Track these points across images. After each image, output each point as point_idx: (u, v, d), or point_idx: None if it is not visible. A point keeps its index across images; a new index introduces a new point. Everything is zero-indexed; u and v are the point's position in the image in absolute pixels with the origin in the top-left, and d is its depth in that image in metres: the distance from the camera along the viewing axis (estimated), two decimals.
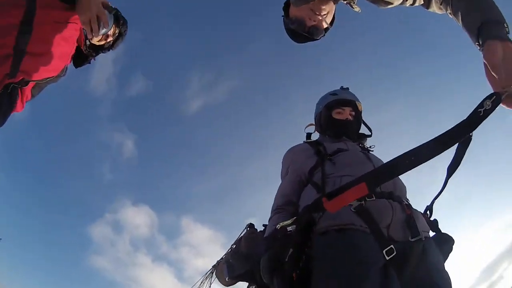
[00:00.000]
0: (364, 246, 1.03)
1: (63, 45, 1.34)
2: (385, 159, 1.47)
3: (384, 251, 1.00)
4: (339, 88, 1.69)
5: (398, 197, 1.18)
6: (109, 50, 1.57)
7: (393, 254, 0.99)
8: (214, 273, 1.94)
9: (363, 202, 1.10)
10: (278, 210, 1.38)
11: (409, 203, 1.23)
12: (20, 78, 1.23)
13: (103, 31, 1.32)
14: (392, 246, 1.01)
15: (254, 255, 1.43)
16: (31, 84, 1.32)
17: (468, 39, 0.88)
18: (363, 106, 1.62)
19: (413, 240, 1.06)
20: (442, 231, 1.22)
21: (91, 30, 1.26)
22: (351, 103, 1.58)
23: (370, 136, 1.61)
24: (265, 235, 1.33)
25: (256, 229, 1.77)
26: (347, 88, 1.67)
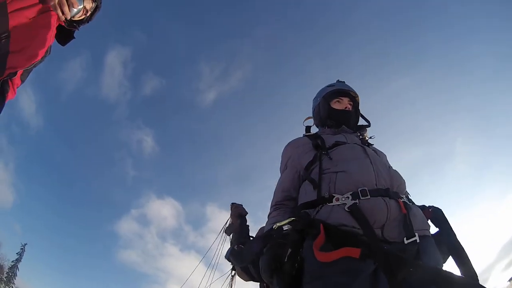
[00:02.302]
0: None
1: (43, 32, 1.41)
2: (385, 147, 1.44)
3: (374, 260, 0.95)
4: (335, 81, 1.68)
5: (395, 194, 1.13)
6: (88, 22, 1.67)
7: (383, 262, 0.94)
8: (235, 275, 2.04)
9: (357, 200, 1.07)
10: (277, 206, 1.37)
11: (408, 199, 1.19)
12: (8, 73, 1.33)
13: (74, 11, 1.37)
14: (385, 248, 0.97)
15: (248, 252, 1.44)
16: (19, 73, 1.43)
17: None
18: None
19: (407, 242, 1.01)
20: (448, 223, 1.16)
21: (63, 13, 1.33)
22: (349, 93, 1.57)
23: (368, 126, 1.58)
24: (263, 233, 1.32)
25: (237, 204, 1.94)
26: (343, 82, 1.66)
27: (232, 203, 2.01)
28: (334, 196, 1.12)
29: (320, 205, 1.15)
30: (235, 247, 1.76)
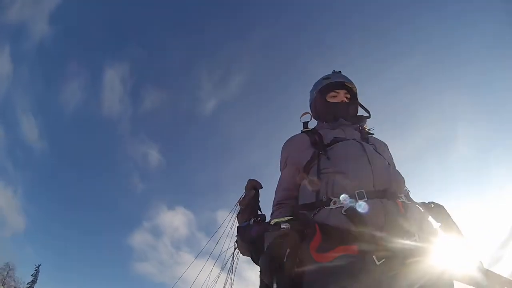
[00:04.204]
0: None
1: None
2: (387, 133, 1.41)
3: (374, 256, 0.94)
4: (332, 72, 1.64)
5: (393, 194, 1.11)
6: None
7: (383, 260, 0.93)
8: (237, 248, 2.03)
9: (354, 204, 1.06)
10: (279, 205, 1.35)
11: (407, 197, 1.17)
12: None
13: None
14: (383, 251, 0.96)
15: (247, 235, 1.43)
16: None
17: None
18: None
19: (407, 248, 0.98)
20: (451, 219, 1.14)
21: None
22: (345, 85, 1.53)
23: (369, 117, 1.53)
24: (261, 223, 1.33)
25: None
26: (339, 72, 1.62)
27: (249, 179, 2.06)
28: (332, 199, 1.10)
29: (318, 208, 1.14)
30: (251, 222, 1.76)
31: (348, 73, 1.61)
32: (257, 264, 1.71)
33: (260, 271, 1.15)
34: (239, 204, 1.97)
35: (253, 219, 1.73)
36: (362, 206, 1.05)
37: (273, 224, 1.13)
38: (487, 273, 0.86)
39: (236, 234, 1.46)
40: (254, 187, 1.91)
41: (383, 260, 0.93)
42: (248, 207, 1.82)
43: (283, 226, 1.11)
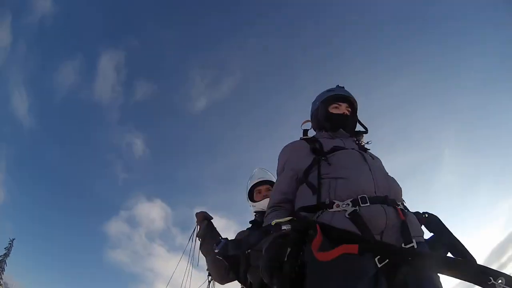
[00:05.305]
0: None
1: None
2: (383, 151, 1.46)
3: (376, 259, 0.99)
4: (336, 86, 1.70)
5: (393, 201, 1.16)
6: None
7: (385, 262, 0.97)
8: (212, 281, 2.08)
9: (357, 207, 1.10)
10: (275, 207, 1.37)
11: (405, 206, 1.22)
12: None
13: None
14: None
15: (245, 243, 1.44)
16: None
17: None
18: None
19: (406, 247, 1.05)
20: (446, 227, 1.20)
21: None
22: (348, 99, 1.59)
23: (366, 132, 1.60)
24: (262, 228, 1.32)
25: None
26: (343, 87, 1.68)
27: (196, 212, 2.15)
28: (335, 203, 1.14)
29: (321, 211, 1.17)
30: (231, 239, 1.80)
31: (339, 83, 1.68)
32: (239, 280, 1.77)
33: (261, 270, 1.17)
34: (197, 237, 2.06)
35: (227, 238, 1.79)
36: (365, 211, 1.10)
37: (274, 225, 1.15)
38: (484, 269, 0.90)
39: (228, 248, 1.39)
40: (205, 218, 2.07)
41: (384, 262, 0.98)
42: (207, 237, 1.98)
43: (284, 227, 1.13)
